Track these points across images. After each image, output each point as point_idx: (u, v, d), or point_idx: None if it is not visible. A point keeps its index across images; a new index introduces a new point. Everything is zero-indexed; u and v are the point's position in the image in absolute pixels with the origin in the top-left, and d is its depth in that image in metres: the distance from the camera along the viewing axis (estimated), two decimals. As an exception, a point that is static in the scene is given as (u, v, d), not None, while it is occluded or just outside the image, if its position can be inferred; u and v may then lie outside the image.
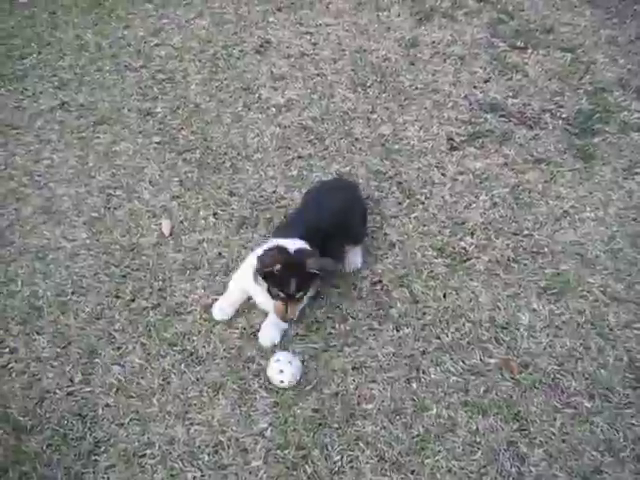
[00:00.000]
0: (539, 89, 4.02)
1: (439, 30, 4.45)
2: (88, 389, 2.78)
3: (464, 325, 2.93)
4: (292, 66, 4.19)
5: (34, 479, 2.54)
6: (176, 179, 3.56)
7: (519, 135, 3.75)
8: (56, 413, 2.71)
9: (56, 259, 3.25)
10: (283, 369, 2.70)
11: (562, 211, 3.36)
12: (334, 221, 2.91)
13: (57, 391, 2.78)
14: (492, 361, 2.82)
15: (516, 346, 2.86)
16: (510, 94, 4.00)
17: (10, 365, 2.87)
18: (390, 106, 3.91)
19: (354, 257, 3.11)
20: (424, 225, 3.30)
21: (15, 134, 3.86)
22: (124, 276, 3.15)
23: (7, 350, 2.92)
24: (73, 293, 3.10)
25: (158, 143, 3.76)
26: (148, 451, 2.59)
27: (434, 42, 4.36)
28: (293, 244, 2.75)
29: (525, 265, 3.14)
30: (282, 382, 2.70)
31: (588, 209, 3.37)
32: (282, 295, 2.70)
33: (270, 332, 2.87)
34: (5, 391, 2.79)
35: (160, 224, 3.35)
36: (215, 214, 3.38)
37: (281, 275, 2.67)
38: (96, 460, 2.58)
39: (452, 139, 3.73)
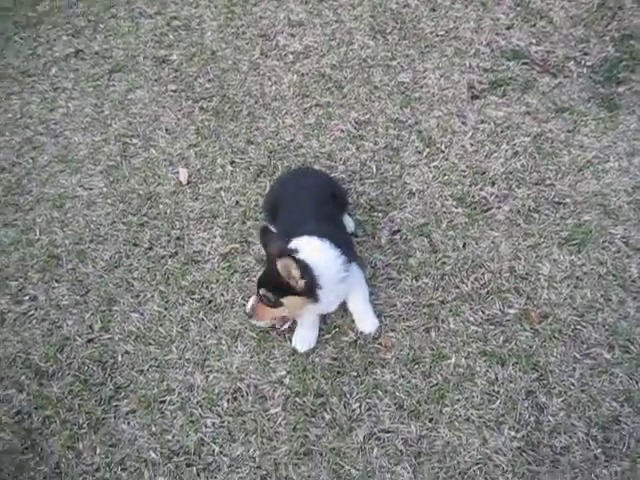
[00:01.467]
0: (563, 36, 3.90)
1: (461, -25, 4.31)
2: (107, 336, 2.81)
3: (484, 275, 2.90)
4: (310, 12, 4.08)
5: (57, 423, 2.58)
6: (193, 127, 3.52)
7: (542, 83, 3.65)
8: (77, 360, 2.75)
9: (73, 207, 3.24)
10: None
11: (585, 161, 3.29)
12: (323, 200, 2.81)
13: (77, 338, 2.81)
14: (512, 311, 2.79)
15: (536, 296, 2.83)
16: (533, 41, 3.88)
17: (30, 312, 2.90)
18: (410, 53, 3.81)
19: (347, 223, 3.04)
20: (444, 174, 3.25)
21: (30, 82, 3.83)
22: (142, 224, 3.14)
23: (27, 298, 2.94)
24: (91, 241, 3.11)
25: (174, 91, 3.70)
26: (168, 397, 2.62)
27: (455, -13, 4.24)
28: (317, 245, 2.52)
29: (546, 215, 3.09)
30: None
31: (612, 159, 3.29)
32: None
33: (306, 335, 2.73)
34: (26, 338, 2.82)
35: (177, 172, 3.32)
36: (232, 162, 3.34)
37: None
38: (117, 406, 2.62)
39: (473, 87, 3.64)
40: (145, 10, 4.21)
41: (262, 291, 2.47)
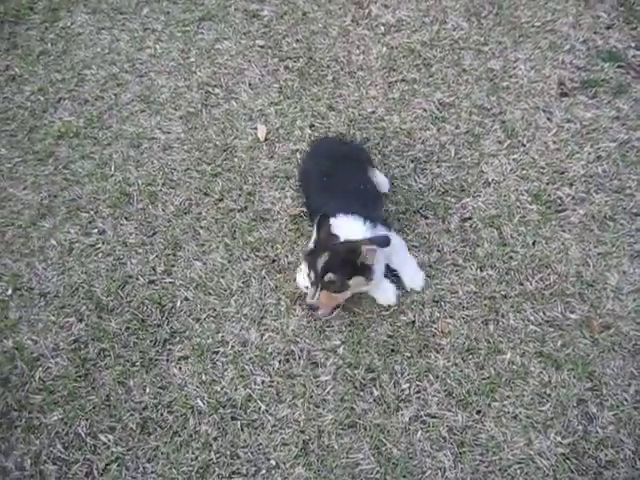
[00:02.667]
0: (665, 43, 3.78)
1: (566, -34, 4.17)
2: (169, 280, 2.84)
3: (549, 276, 2.86)
4: (406, -15, 4.01)
5: (111, 357, 2.64)
6: (276, 85, 3.51)
7: (636, 89, 3.53)
8: (137, 298, 2.79)
9: (150, 149, 3.27)
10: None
11: (670, 175, 3.19)
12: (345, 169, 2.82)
13: (139, 277, 2.85)
14: (573, 316, 2.75)
15: (600, 305, 2.78)
16: (632, 44, 3.75)
17: (98, 246, 2.95)
18: (503, 41, 3.72)
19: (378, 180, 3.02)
20: (522, 168, 3.19)
21: (121, 19, 3.84)
22: (215, 175, 3.16)
23: (96, 231, 3.00)
24: (163, 184, 3.14)
25: (261, 47, 3.68)
26: (221, 349, 2.66)
27: (559, -21, 4.11)
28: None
29: (622, 225, 3.01)
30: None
31: (698, 176, 3.20)
32: (311, 279, 2.52)
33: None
34: (91, 270, 2.87)
35: (256, 128, 3.32)
36: (312, 126, 3.32)
37: (315, 255, 2.50)
38: (170, 349, 2.66)
39: (563, 84, 3.55)
40: (241, -38, 4.18)
41: (328, 277, 2.46)
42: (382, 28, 3.77)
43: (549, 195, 3.10)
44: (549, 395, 2.55)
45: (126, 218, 3.03)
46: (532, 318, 2.74)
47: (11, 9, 3.88)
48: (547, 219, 3.02)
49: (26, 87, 3.54)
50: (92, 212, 3.05)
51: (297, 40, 3.72)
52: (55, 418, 2.53)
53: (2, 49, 3.70)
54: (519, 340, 2.68)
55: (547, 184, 3.14)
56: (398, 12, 3.84)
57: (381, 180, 3.03)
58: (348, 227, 2.53)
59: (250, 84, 3.51)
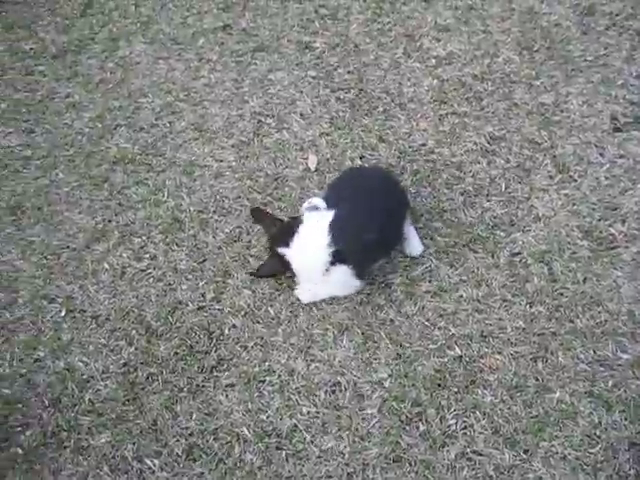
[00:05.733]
0: None
1: (620, 0, 4.15)
2: (218, 307, 2.87)
3: (600, 314, 2.81)
4: (458, 19, 4.03)
5: (159, 382, 2.67)
6: (327, 116, 3.54)
7: (690, 126, 3.49)
8: (186, 324, 2.82)
9: (202, 176, 3.33)
10: None
11: None
12: None
13: (189, 303, 2.88)
14: (625, 357, 2.69)
15: (653, 346, 2.72)
16: (687, 80, 3.71)
17: (149, 271, 3.00)
18: (555, 75, 3.71)
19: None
20: (573, 204, 3.15)
21: (177, 49, 3.94)
22: (265, 204, 3.19)
23: (147, 256, 3.05)
24: (214, 212, 3.18)
25: (313, 77, 3.74)
26: (268, 378, 2.66)
27: (612, 13, 4.08)
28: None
29: (675, 264, 2.96)
30: None
31: None
32: None
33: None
34: (142, 294, 2.92)
35: (307, 158, 3.36)
36: (362, 157, 3.35)
37: None
38: (217, 377, 2.68)
39: (616, 119, 3.52)
40: (295, -6, 4.26)
41: None
42: (433, 61, 3.80)
43: (601, 232, 3.06)
44: (599, 437, 2.49)
45: (177, 244, 3.08)
46: (582, 356, 2.69)
47: (74, 39, 4.03)
48: (598, 256, 2.98)
49: (85, 114, 3.66)
50: (144, 237, 3.11)
51: (349, 72, 3.76)
52: (103, 440, 2.56)
53: (64, 77, 3.83)
54: (568, 379, 2.63)
55: (599, 220, 3.10)
56: (449, 45, 3.87)
57: (412, 240, 3.01)
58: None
59: (302, 114, 3.56)
